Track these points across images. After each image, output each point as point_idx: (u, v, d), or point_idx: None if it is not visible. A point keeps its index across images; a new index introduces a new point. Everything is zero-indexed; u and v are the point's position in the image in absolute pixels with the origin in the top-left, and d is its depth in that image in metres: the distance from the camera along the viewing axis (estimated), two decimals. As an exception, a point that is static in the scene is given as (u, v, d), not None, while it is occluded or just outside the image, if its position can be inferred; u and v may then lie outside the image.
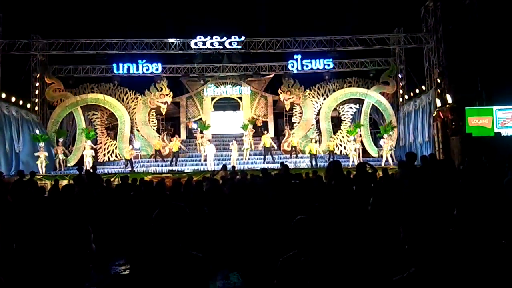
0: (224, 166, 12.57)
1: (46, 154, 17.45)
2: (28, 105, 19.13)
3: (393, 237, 2.57)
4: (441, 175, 5.96)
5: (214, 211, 6.67)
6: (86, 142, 18.78)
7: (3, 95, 17.36)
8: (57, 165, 18.24)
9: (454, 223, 2.58)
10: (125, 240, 6.64)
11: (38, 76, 20.06)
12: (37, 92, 20.07)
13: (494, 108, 15.51)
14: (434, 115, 16.42)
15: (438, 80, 16.77)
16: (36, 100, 20.01)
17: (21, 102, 18.38)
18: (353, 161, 17.78)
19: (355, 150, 18.63)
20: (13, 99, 17.73)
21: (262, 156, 18.95)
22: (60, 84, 20.15)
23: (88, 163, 17.46)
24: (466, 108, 15.44)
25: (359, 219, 3.54)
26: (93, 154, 18.49)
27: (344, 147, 20.46)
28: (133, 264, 2.20)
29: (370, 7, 19.49)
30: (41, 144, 17.73)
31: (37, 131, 18.52)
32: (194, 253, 2.18)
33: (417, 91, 18.95)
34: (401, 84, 20.66)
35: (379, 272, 2.23)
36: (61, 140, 18.84)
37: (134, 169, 17.52)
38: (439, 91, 16.58)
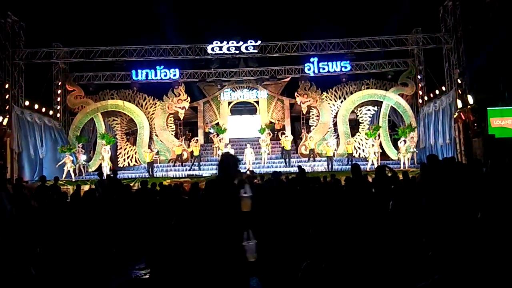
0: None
1: (71, 158, 17.88)
2: (51, 112, 19.65)
3: (416, 243, 2.52)
4: (464, 178, 5.82)
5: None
6: (104, 146, 19.09)
7: (27, 103, 17.93)
8: (78, 171, 18.59)
9: (478, 227, 2.51)
10: (145, 244, 6.71)
11: (59, 83, 20.61)
12: (59, 99, 20.62)
13: (518, 108, 15.08)
14: (455, 116, 16.08)
15: (459, 81, 16.42)
16: (58, 107, 20.57)
17: (43, 109, 18.90)
18: (372, 164, 17.57)
19: (374, 153, 18.40)
20: (36, 106, 18.25)
21: (282, 160, 18.89)
22: (81, 91, 20.61)
23: (105, 167, 17.69)
24: (488, 108, 15.07)
25: (380, 224, 3.50)
26: (110, 158, 18.70)
27: (363, 150, 20.26)
28: (153, 268, 2.23)
29: (387, 7, 19.22)
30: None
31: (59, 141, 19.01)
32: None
33: (437, 92, 18.61)
34: (420, 85, 20.32)
35: (402, 279, 2.19)
36: (80, 145, 19.20)
37: (153, 174, 17.67)
38: (460, 92, 16.24)
